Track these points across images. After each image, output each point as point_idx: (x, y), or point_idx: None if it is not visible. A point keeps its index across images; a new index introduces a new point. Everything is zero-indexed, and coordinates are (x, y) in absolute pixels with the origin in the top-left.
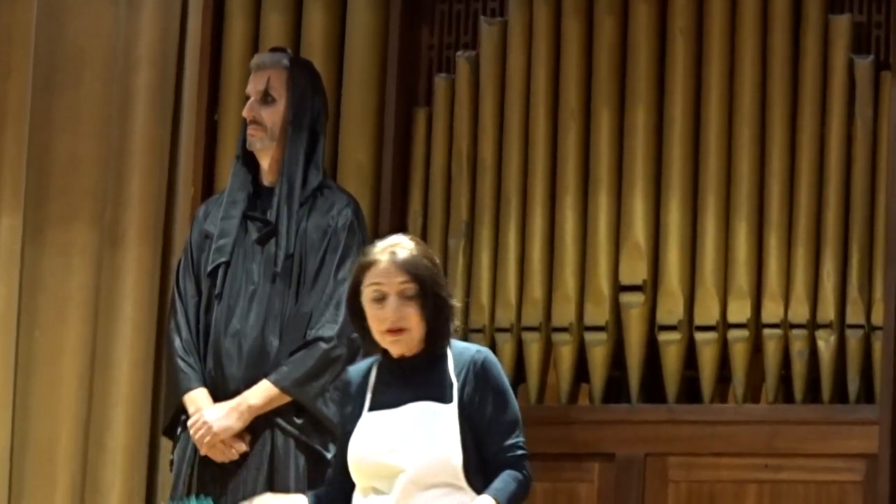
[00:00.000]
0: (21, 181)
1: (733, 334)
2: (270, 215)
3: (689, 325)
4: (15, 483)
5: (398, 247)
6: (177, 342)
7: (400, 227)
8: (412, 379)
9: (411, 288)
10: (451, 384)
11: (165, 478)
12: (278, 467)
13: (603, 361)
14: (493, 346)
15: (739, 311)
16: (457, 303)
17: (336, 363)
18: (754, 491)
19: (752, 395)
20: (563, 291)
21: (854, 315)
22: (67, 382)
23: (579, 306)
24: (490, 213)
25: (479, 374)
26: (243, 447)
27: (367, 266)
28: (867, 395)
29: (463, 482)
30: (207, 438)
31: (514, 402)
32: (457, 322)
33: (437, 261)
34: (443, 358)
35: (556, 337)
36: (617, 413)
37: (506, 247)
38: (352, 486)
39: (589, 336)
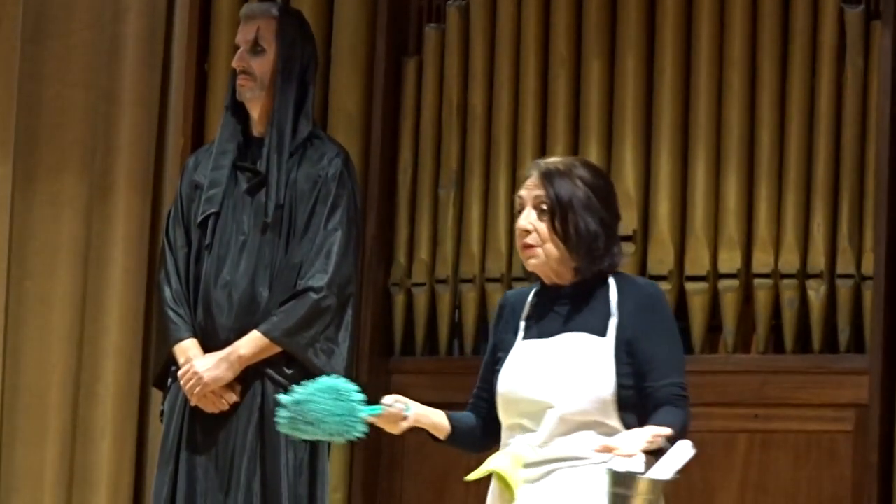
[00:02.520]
0: (10, 131)
1: (724, 284)
2: (260, 165)
3: (679, 275)
4: (6, 432)
5: (557, 160)
6: (167, 292)
7: (390, 178)
8: (567, 309)
9: (545, 202)
10: (611, 316)
11: (156, 427)
12: (269, 417)
13: None
14: (483, 296)
15: (730, 260)
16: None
17: (326, 313)
18: (745, 441)
19: (743, 344)
20: None
21: (844, 265)
22: (58, 332)
23: None
24: (480, 162)
25: (645, 307)
26: (234, 397)
27: (523, 179)
28: (857, 344)
29: (615, 420)
30: (198, 389)
31: (679, 342)
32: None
33: (604, 189)
34: (603, 288)
35: None
36: None
37: (496, 196)
38: (487, 410)
39: None
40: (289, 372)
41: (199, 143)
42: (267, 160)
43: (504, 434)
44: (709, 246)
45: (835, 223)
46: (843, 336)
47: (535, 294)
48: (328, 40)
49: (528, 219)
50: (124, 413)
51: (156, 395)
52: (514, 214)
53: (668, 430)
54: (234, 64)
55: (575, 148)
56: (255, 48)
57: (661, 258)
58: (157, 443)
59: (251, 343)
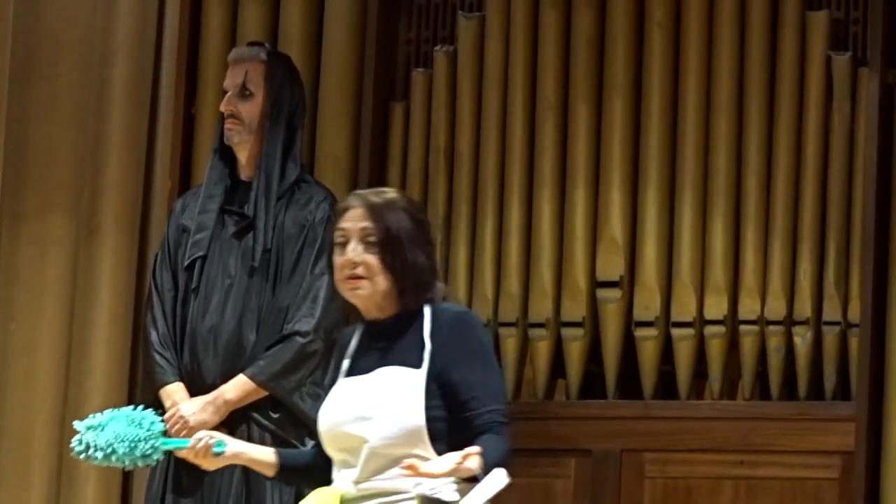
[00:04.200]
0: None
1: (710, 330)
2: (248, 209)
3: (665, 321)
4: None
5: (376, 193)
6: (153, 336)
7: None
8: (385, 343)
9: (374, 234)
10: (424, 346)
11: (141, 471)
12: None
13: (579, 357)
14: None
15: (716, 306)
16: (443, 286)
17: (313, 357)
18: (730, 487)
19: (729, 391)
20: (540, 287)
21: (831, 312)
22: (44, 374)
23: (556, 302)
24: (467, 207)
25: (457, 336)
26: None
27: (340, 211)
28: (843, 391)
29: (430, 452)
30: (184, 432)
31: (496, 367)
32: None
33: (425, 221)
34: (418, 320)
35: (533, 332)
36: (593, 409)
37: (483, 241)
38: (323, 454)
39: (566, 331)
40: (274, 416)
41: (186, 186)
42: (254, 204)
43: (333, 468)
44: (695, 292)
45: (821, 269)
46: (829, 383)
47: (360, 331)
48: (316, 84)
49: (356, 251)
50: None
51: None
52: (337, 245)
53: (476, 449)
54: (222, 108)
55: (562, 192)
56: (244, 92)
57: (648, 304)
58: (143, 487)
59: (237, 387)
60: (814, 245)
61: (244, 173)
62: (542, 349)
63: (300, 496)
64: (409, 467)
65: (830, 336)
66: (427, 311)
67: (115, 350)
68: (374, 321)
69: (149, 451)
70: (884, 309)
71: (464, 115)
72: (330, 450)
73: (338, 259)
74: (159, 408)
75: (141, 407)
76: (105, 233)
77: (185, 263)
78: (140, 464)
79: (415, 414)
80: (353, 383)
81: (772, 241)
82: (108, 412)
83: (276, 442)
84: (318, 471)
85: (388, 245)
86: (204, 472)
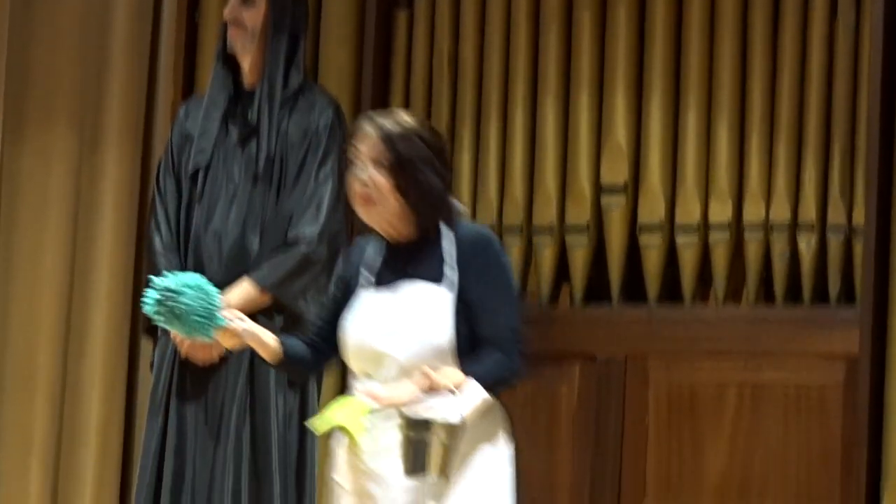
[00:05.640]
0: (0, 82)
1: (714, 235)
2: (251, 117)
3: (670, 226)
4: None
5: (389, 116)
6: (157, 242)
7: None
8: (408, 260)
9: (385, 156)
10: (447, 265)
11: (145, 378)
12: (258, 367)
13: (584, 262)
14: None
15: (721, 212)
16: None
17: (316, 264)
18: (734, 392)
19: (733, 296)
20: (544, 192)
21: (835, 216)
22: (47, 285)
23: (560, 207)
24: (471, 113)
25: (477, 253)
26: (223, 348)
27: (352, 133)
28: (848, 296)
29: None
30: (188, 340)
31: (513, 289)
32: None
33: (438, 144)
34: (438, 239)
35: (537, 237)
36: (598, 314)
37: (487, 147)
38: (324, 335)
39: (570, 237)
40: (279, 321)
41: (188, 95)
42: (258, 111)
43: (351, 377)
44: (700, 197)
45: (826, 174)
46: (834, 287)
47: (380, 249)
48: None
49: (368, 174)
50: (114, 363)
51: (145, 345)
52: (350, 166)
53: (426, 370)
54: (226, 15)
55: (566, 98)
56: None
57: (652, 210)
58: (147, 393)
59: (241, 293)
60: (818, 150)
61: (247, 81)
62: (547, 254)
63: (304, 403)
64: (371, 396)
65: (835, 240)
66: (446, 230)
67: (119, 260)
68: (393, 241)
69: (208, 328)
70: (888, 213)
71: (468, 23)
72: (353, 361)
73: (350, 179)
74: None
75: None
76: (108, 144)
77: (189, 171)
78: (196, 338)
79: (441, 330)
80: (379, 298)
81: (776, 146)
82: (180, 276)
83: None
84: (315, 367)
85: (400, 169)
86: (208, 379)
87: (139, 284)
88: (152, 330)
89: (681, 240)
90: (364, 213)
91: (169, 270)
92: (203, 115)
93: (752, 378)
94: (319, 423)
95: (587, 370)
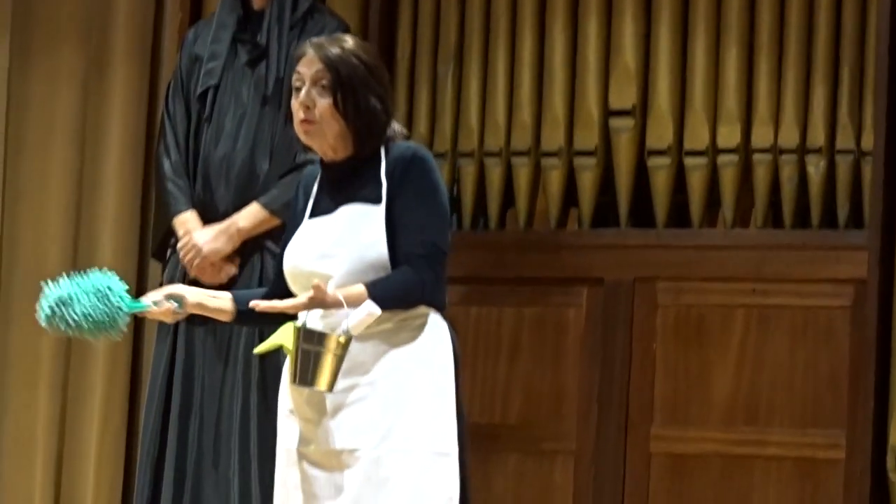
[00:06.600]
0: (7, 6)
1: (723, 159)
2: (260, 38)
3: (678, 150)
4: (3, 308)
5: (330, 40)
6: (166, 165)
7: (388, 53)
8: (345, 183)
9: (326, 78)
10: (382, 184)
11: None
12: None
13: (592, 186)
14: (481, 171)
15: (729, 135)
16: (400, 126)
17: None
18: (742, 315)
19: (742, 219)
20: (553, 116)
21: (844, 140)
22: (55, 208)
23: (568, 131)
24: (479, 37)
25: (403, 170)
26: (233, 270)
27: (298, 56)
28: (856, 220)
29: None
30: (197, 261)
31: (438, 201)
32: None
33: (379, 67)
34: (376, 160)
35: (546, 161)
36: (606, 237)
37: (495, 72)
38: (286, 290)
39: (578, 160)
40: None
41: (196, 18)
42: (267, 33)
43: None
44: (708, 121)
45: (835, 98)
46: (842, 211)
47: (320, 173)
48: None
49: (308, 95)
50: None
51: (154, 268)
52: (294, 91)
53: (317, 283)
54: None
55: (574, 22)
56: None
57: (660, 133)
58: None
59: (250, 215)
60: (827, 73)
61: (257, 3)
62: (555, 178)
63: (262, 337)
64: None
65: (844, 164)
66: (383, 150)
67: (127, 182)
68: (332, 163)
69: (113, 325)
70: None
71: None
72: (295, 288)
73: (293, 103)
74: (173, 236)
75: (109, 277)
76: (116, 66)
77: (198, 92)
78: (104, 337)
79: (377, 247)
80: (317, 223)
81: (785, 69)
82: (76, 281)
83: None
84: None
85: (339, 89)
86: None
87: (147, 207)
88: (161, 252)
89: (689, 163)
90: (305, 135)
91: (178, 194)
92: (212, 38)
93: (760, 302)
94: (261, 346)
95: (595, 294)
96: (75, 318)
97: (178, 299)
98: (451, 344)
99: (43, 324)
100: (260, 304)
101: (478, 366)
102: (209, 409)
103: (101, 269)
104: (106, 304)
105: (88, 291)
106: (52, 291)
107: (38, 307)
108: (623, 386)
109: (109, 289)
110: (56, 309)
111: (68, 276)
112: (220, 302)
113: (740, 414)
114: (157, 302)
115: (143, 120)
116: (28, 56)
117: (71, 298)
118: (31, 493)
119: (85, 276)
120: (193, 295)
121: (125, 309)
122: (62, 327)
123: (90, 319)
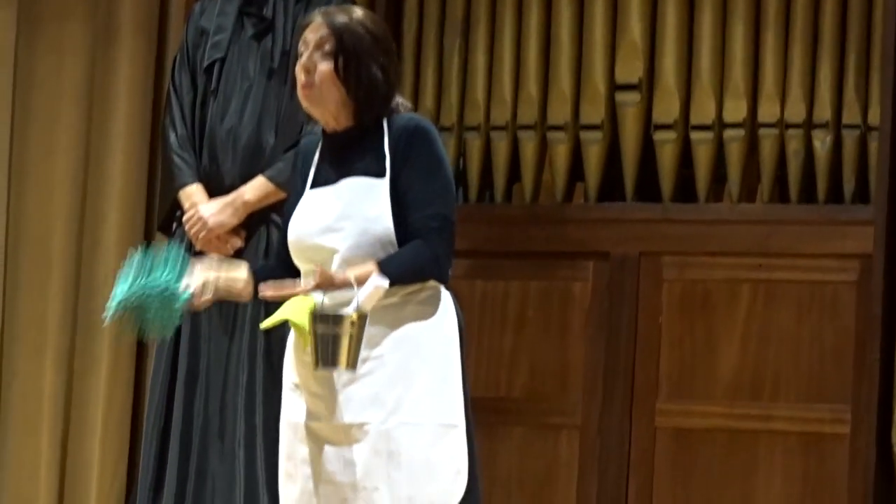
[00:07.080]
0: None
1: (729, 134)
2: (267, 11)
3: (684, 125)
4: (10, 280)
5: (339, 9)
6: (172, 138)
7: (395, 26)
8: (346, 154)
9: (329, 42)
10: (385, 157)
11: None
12: None
13: (598, 160)
14: (488, 144)
15: (735, 110)
16: (404, 100)
17: None
18: (748, 290)
19: (748, 194)
20: (559, 90)
21: (850, 115)
22: (61, 180)
23: (575, 105)
24: (486, 10)
25: (407, 143)
26: (238, 243)
27: (303, 26)
28: (862, 195)
29: None
30: (203, 234)
31: (444, 174)
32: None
33: (385, 39)
34: (378, 131)
35: (552, 135)
36: (612, 211)
37: (501, 45)
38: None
39: (584, 134)
40: None
41: None
42: (273, 5)
43: (302, 279)
44: (714, 95)
45: (841, 73)
46: (848, 186)
47: (321, 142)
48: None
49: (311, 59)
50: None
51: (159, 241)
52: (298, 56)
53: (319, 267)
54: None
55: None
56: None
57: (667, 108)
58: None
59: (256, 188)
60: (834, 48)
61: None
62: (561, 152)
63: (269, 311)
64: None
65: (850, 139)
66: (385, 122)
67: (133, 155)
68: (334, 133)
69: (171, 324)
70: None
71: None
72: (298, 261)
73: (296, 66)
74: (179, 209)
75: (173, 278)
76: (123, 38)
77: (204, 65)
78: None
79: (382, 221)
80: (319, 194)
81: (792, 44)
82: (141, 284)
83: None
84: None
85: (341, 54)
86: None
87: (153, 181)
88: (166, 225)
89: (695, 138)
90: (306, 100)
91: (184, 167)
92: (218, 11)
93: (766, 276)
94: (268, 321)
95: (601, 267)
96: (142, 323)
97: (206, 289)
98: (457, 316)
99: (108, 322)
100: (267, 293)
101: (483, 339)
102: (215, 380)
103: (163, 249)
104: (170, 310)
105: (155, 295)
106: (123, 292)
107: (107, 307)
108: (629, 360)
109: (174, 294)
110: (125, 313)
111: (138, 267)
112: (239, 287)
113: (746, 388)
114: (196, 294)
115: (150, 93)
116: (35, 29)
117: (141, 304)
118: (37, 463)
119: (153, 272)
120: (218, 280)
121: (181, 315)
122: (127, 329)
123: (155, 325)
